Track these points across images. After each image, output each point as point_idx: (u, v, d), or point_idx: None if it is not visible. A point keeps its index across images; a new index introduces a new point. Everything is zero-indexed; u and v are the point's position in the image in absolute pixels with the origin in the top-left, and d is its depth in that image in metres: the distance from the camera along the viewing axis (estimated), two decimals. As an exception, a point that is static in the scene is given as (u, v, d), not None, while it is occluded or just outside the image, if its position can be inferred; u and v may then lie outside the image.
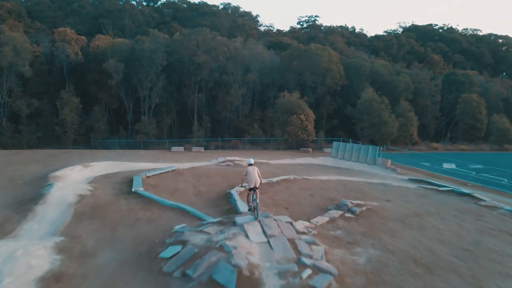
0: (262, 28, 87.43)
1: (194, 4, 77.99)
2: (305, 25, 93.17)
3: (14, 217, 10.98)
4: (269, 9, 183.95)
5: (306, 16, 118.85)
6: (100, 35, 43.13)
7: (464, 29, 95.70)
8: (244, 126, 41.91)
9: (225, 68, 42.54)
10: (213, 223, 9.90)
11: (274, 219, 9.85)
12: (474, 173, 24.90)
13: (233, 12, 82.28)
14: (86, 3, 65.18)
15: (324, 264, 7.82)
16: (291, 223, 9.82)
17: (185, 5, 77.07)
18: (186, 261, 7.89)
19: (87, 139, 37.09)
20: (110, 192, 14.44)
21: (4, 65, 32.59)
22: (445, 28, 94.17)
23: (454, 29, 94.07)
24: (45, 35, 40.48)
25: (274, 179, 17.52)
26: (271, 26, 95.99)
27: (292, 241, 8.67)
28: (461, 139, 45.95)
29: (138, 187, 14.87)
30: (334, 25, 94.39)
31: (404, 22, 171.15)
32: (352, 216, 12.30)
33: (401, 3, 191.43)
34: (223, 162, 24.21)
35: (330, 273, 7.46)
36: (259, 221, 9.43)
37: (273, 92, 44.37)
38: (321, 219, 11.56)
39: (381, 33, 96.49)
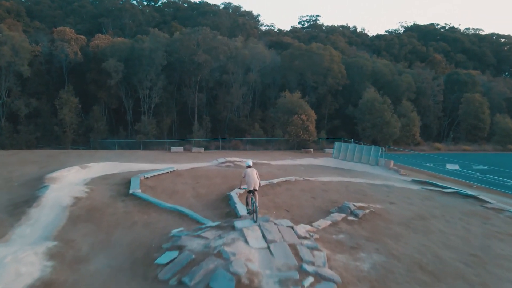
0: (263, 28, 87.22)
1: (195, 3, 77.77)
2: (306, 24, 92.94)
3: (7, 220, 10.65)
4: (270, 8, 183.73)
5: (307, 15, 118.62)
6: (99, 34, 42.83)
7: (466, 28, 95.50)
8: (244, 126, 41.58)
9: (225, 67, 42.22)
10: (211, 227, 9.57)
11: (275, 223, 9.53)
12: (478, 174, 24.51)
13: (234, 12, 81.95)
14: (86, 3, 64.98)
15: (326, 271, 7.48)
16: (292, 227, 9.49)
17: (186, 5, 76.78)
18: (182, 268, 7.57)
19: (87, 139, 36.79)
20: (107, 194, 14.10)
21: (3, 65, 32.30)
22: (447, 28, 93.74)
23: (456, 28, 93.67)
24: (44, 35, 40.19)
25: (275, 181, 17.17)
26: (272, 26, 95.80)
27: (293, 247, 8.34)
28: (464, 139, 45.57)
29: (135, 189, 14.53)
30: (336, 25, 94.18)
31: (406, 21, 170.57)
32: (355, 219, 11.94)
33: (402, 3, 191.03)
34: (223, 163, 23.85)
35: (333, 281, 7.14)
36: (259, 226, 9.09)
37: (274, 92, 44.05)
38: (323, 223, 11.21)
39: (382, 32, 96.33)
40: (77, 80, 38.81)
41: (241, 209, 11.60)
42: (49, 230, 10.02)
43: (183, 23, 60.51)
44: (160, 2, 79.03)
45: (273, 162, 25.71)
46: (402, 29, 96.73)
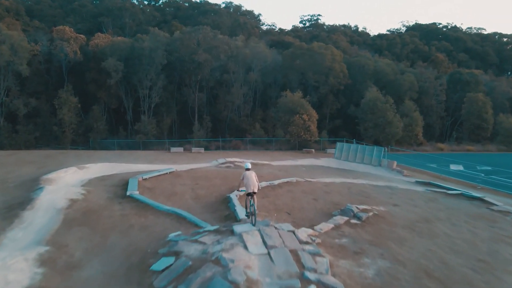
0: (264, 27, 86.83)
1: (196, 2, 77.40)
2: (307, 24, 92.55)
3: (0, 223, 10.34)
4: (271, 8, 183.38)
5: (308, 15, 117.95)
6: (99, 33, 42.54)
7: (468, 28, 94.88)
8: (245, 126, 41.25)
9: (226, 67, 41.88)
10: (209, 231, 9.22)
11: (275, 228, 9.19)
12: (483, 175, 24.11)
13: (235, 11, 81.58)
14: (86, 2, 64.68)
15: (329, 279, 7.13)
16: (293, 232, 9.14)
17: (187, 4, 76.48)
18: (178, 275, 7.22)
19: (86, 139, 36.50)
20: (104, 196, 13.79)
21: (1, 64, 32.02)
22: (449, 27, 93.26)
23: (458, 28, 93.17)
24: (43, 34, 39.88)
25: (276, 182, 16.82)
26: (273, 25, 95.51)
27: (294, 253, 7.99)
28: (467, 139, 45.15)
29: (133, 190, 14.21)
30: (337, 24, 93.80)
31: (408, 21, 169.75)
32: (358, 222, 11.59)
33: (403, 2, 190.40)
34: (223, 163, 23.53)
35: (337, 290, 6.79)
36: (259, 230, 8.75)
37: (275, 91, 43.70)
38: (325, 226, 10.85)
39: (384, 32, 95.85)
40: (76, 79, 38.52)
41: (241, 212, 11.27)
42: (42, 234, 9.69)
43: (183, 22, 60.23)
44: (160, 1, 78.74)
45: (274, 163, 25.38)
46: (404, 29, 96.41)
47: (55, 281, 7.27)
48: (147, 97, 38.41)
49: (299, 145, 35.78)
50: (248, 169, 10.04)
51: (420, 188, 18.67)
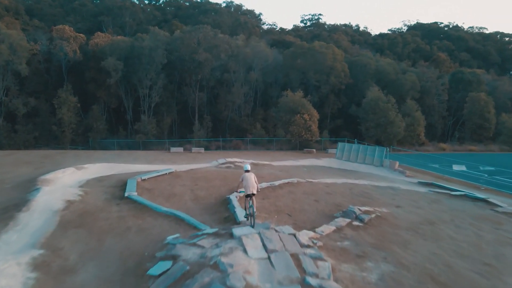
0: (265, 27, 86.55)
1: (196, 2, 77.16)
2: (308, 23, 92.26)
3: (-6, 226, 10.12)
4: (272, 7, 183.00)
5: (309, 14, 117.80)
6: (99, 32, 42.32)
7: (470, 27, 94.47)
8: (246, 126, 41.02)
9: (226, 66, 41.67)
10: (208, 234, 8.97)
11: (276, 230, 8.95)
12: (486, 175, 23.79)
13: (236, 10, 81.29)
14: (87, 1, 64.42)
15: (332, 285, 6.88)
16: (294, 235, 8.90)
17: (187, 3, 76.27)
18: (176, 280, 6.97)
19: (86, 139, 36.31)
20: (102, 197, 13.55)
21: (0, 63, 31.85)
22: (450, 26, 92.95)
23: (460, 27, 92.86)
24: (43, 33, 39.67)
25: (277, 183, 16.56)
26: (274, 25, 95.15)
27: (295, 257, 7.74)
28: (469, 139, 44.83)
29: (131, 191, 13.97)
30: (338, 24, 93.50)
31: (409, 20, 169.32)
32: (360, 224, 11.32)
33: (404, 2, 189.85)
34: (223, 163, 23.28)
35: (339, 296, 6.55)
36: (259, 234, 8.51)
37: (276, 91, 43.46)
38: (327, 228, 10.59)
39: (385, 31, 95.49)
40: (76, 79, 38.33)
41: (241, 213, 11.04)
42: (37, 237, 9.45)
43: (184, 21, 59.98)
44: (161, 0, 78.53)
45: (274, 163, 25.12)
46: (405, 28, 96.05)
47: (47, 287, 7.05)
48: (147, 97, 38.19)
49: (300, 145, 35.53)
50: (247, 171, 9.97)
51: (422, 189, 18.41)
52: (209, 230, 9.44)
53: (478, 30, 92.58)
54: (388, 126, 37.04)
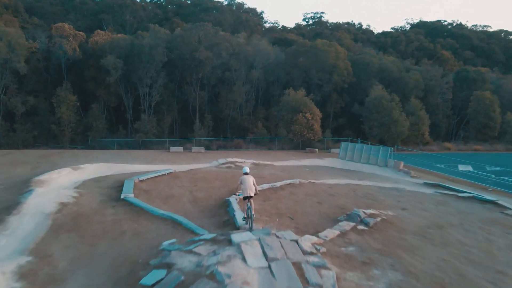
0: (267, 25, 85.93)
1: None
2: (310, 21, 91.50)
3: (-17, 230, 9.68)
4: (274, 5, 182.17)
5: (311, 12, 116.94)
6: (99, 30, 41.83)
7: (473, 25, 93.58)
8: (247, 125, 40.55)
9: (228, 64, 41.15)
10: (205, 240, 8.49)
11: (277, 236, 8.48)
12: (493, 176, 23.20)
13: (238, 9, 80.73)
14: (88, -1, 64.09)
15: (336, 297, 6.41)
16: (296, 241, 8.42)
17: (189, 1, 75.71)
18: (169, 292, 6.53)
19: (85, 138, 35.88)
20: (97, 199, 13.11)
21: (-2, 61, 31.49)
22: (454, 24, 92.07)
23: (464, 25, 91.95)
24: (42, 31, 39.24)
25: (278, 184, 16.08)
26: (276, 23, 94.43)
27: (298, 265, 7.26)
28: (473, 139, 44.18)
29: (128, 193, 13.51)
30: (340, 22, 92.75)
31: (412, 18, 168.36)
32: (365, 228, 10.86)
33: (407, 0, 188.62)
34: (223, 163, 22.81)
35: (345, 310, 6.07)
36: (259, 240, 8.03)
37: (278, 89, 42.94)
38: (331, 233, 10.13)
39: (388, 29, 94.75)
40: (76, 77, 37.91)
41: (240, 217, 10.60)
42: (26, 242, 9.02)
43: (185, 19, 59.52)
44: (163, -2, 78.02)
45: (276, 163, 24.65)
46: (408, 26, 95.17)
47: (32, 298, 6.59)
48: (147, 95, 37.75)
49: (302, 145, 35.04)
50: (246, 173, 9.89)
51: (428, 190, 17.88)
52: (207, 235, 8.97)
53: (482, 28, 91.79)
54: (392, 125, 36.45)
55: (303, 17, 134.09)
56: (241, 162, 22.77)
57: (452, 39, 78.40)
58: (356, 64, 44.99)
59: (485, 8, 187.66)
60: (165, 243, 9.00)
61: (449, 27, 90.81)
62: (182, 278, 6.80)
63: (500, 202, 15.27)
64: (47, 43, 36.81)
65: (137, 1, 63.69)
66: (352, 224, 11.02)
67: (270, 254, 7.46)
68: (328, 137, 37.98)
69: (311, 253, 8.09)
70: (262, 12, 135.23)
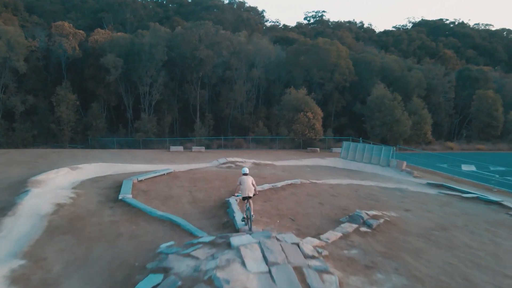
0: (268, 24, 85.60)
1: (199, -2, 76.18)
2: (312, 20, 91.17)
3: (-23, 232, 9.45)
4: (275, 4, 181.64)
5: (313, 11, 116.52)
6: (99, 29, 41.57)
7: (475, 24, 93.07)
8: (248, 124, 40.30)
9: (228, 63, 40.88)
10: (204, 243, 8.24)
11: (277, 239, 8.22)
12: (497, 176, 22.89)
13: (239, 7, 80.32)
14: (88, -3, 63.74)
15: (339, 304, 6.15)
16: (297, 245, 8.15)
17: (189, 0, 75.33)
18: (166, 298, 6.28)
19: (85, 138, 35.66)
20: (95, 200, 12.88)
21: (-2, 60, 31.26)
22: (456, 23, 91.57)
23: (466, 24, 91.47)
24: (42, 29, 39.00)
25: (279, 184, 15.83)
26: (277, 22, 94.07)
27: (299, 270, 7.00)
28: (476, 138, 43.82)
29: (126, 194, 13.28)
30: (342, 21, 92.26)
31: (413, 17, 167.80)
32: (368, 230, 10.59)
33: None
34: (224, 163, 22.55)
35: (349, 318, 5.81)
36: (259, 243, 7.78)
37: (279, 88, 42.66)
38: (333, 235, 9.86)
39: (390, 28, 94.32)
40: (75, 76, 37.69)
41: (240, 218, 10.33)
42: (20, 245, 8.78)
43: (186, 18, 59.22)
44: (163, -4, 77.63)
45: (277, 163, 24.38)
46: (410, 25, 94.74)
47: (24, 304, 6.35)
48: (148, 94, 37.51)
49: (303, 144, 34.77)
50: (245, 174, 9.73)
51: (432, 191, 17.59)
52: (205, 238, 8.71)
53: (484, 27, 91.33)
54: (394, 124, 36.13)
55: (304, 16, 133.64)
56: (242, 162, 22.52)
57: (454, 37, 77.89)
58: (357, 62, 44.66)
59: (487, 6, 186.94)
60: (163, 245, 8.76)
61: (451, 25, 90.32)
62: (179, 283, 6.56)
63: (505, 203, 14.97)
64: (46, 41, 36.58)
65: (137, 0, 63.37)
66: (355, 226, 10.76)
67: (271, 258, 7.21)
68: (329, 137, 37.69)
69: (312, 257, 7.83)
70: (263, 11, 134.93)
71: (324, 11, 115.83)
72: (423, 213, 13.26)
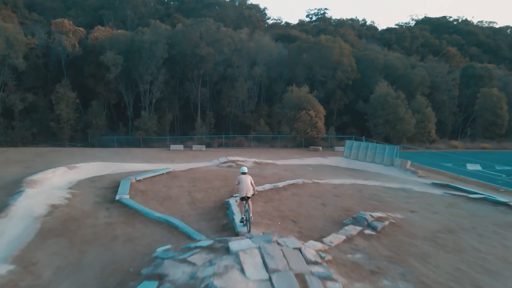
0: (270, 21, 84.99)
1: (200, -5, 75.64)
2: (314, 18, 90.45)
3: (-33, 235, 9.11)
4: (277, 2, 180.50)
5: (315, 9, 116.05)
6: (99, 26, 41.18)
7: (479, 21, 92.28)
8: (250, 122, 39.91)
9: (230, 61, 40.44)
10: (202, 248, 7.86)
11: (278, 244, 7.84)
12: (504, 175, 22.43)
13: (240, 5, 79.73)
14: (89, -6, 63.32)
15: (344, 314, 5.77)
16: (299, 250, 7.76)
17: (191, -3, 74.81)
18: (160, 307, 5.92)
19: (85, 136, 35.34)
20: (91, 201, 12.54)
21: (-4, 58, 30.94)
22: (459, 20, 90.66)
23: (469, 21, 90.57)
24: (41, 27, 38.62)
25: (281, 184, 15.46)
26: (279, 19, 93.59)
27: (301, 277, 6.61)
28: (480, 136, 43.30)
29: (123, 194, 12.94)
30: (344, 18, 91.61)
31: (416, 14, 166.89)
32: (373, 233, 10.21)
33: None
34: (224, 162, 22.19)
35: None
36: (259, 249, 7.40)
37: (281, 86, 42.22)
38: (336, 238, 9.49)
39: (392, 26, 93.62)
40: (75, 74, 37.34)
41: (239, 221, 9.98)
42: (11, 249, 8.44)
43: (187, 15, 58.72)
44: (165, -6, 77.06)
45: (279, 162, 24.01)
46: (413, 22, 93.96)
47: (9, 314, 6.00)
48: (148, 92, 37.14)
49: (305, 143, 34.38)
50: (244, 173, 9.46)
51: (437, 191, 17.17)
52: (203, 242, 8.33)
53: (488, 24, 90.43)
54: (397, 123, 35.64)
55: (306, 14, 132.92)
56: (242, 161, 22.17)
57: (457, 35, 77.14)
58: (360, 60, 44.17)
59: (490, 4, 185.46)
60: (159, 249, 8.42)
61: (455, 23, 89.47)
62: (174, 292, 6.20)
63: (513, 204, 14.57)
64: (46, 39, 36.22)
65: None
66: (359, 228, 10.38)
67: (271, 264, 6.83)
68: (332, 135, 37.28)
69: (315, 263, 7.46)
70: (265, 8, 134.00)
71: (326, 9, 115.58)
72: (429, 214, 12.87)
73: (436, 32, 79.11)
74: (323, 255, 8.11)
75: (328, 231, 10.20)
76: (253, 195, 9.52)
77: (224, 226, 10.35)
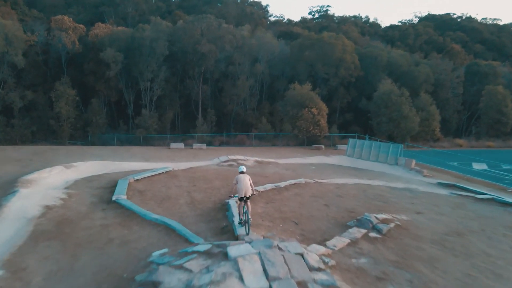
0: (272, 18, 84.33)
1: (202, -8, 75.12)
2: (316, 15, 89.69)
3: (-43, 237, 8.79)
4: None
5: (317, 6, 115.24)
6: (99, 23, 40.77)
7: (483, 18, 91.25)
8: (251, 120, 39.48)
9: (231, 58, 39.97)
10: (199, 253, 7.49)
11: (279, 249, 7.47)
12: (511, 175, 21.92)
13: (242, 2, 79.16)
14: (90, -8, 62.91)
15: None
16: (302, 255, 7.39)
17: (193, -6, 74.31)
18: (152, 318, 5.56)
19: (85, 134, 35.01)
20: (87, 201, 12.19)
21: (-5, 55, 30.60)
22: (463, 17, 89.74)
23: (473, 18, 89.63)
24: (41, 24, 38.24)
25: (282, 184, 15.05)
26: (281, 16, 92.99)
27: (303, 285, 6.26)
28: (485, 135, 42.73)
29: (120, 194, 12.59)
30: (347, 15, 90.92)
31: (420, 11, 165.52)
32: (378, 236, 9.85)
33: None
34: (225, 161, 21.79)
35: None
36: (259, 254, 7.02)
37: (283, 84, 41.73)
38: (340, 241, 9.14)
39: (396, 23, 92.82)
40: (75, 71, 36.94)
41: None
42: (1, 253, 8.11)
43: (188, 12, 58.25)
44: (165, -9, 76.56)
45: (280, 161, 23.60)
46: (417, 19, 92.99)
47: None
48: (149, 90, 36.76)
49: (308, 141, 33.94)
50: (242, 173, 9.45)
51: (443, 191, 16.73)
52: (201, 247, 7.95)
53: (492, 21, 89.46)
54: (401, 121, 35.09)
55: (309, 11, 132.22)
56: (243, 160, 21.77)
57: (461, 32, 76.32)
58: (363, 57, 43.61)
59: (494, 1, 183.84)
60: (155, 253, 8.08)
61: (458, 20, 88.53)
62: (169, 301, 5.83)
63: (522, 205, 14.12)
64: (46, 36, 35.83)
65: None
66: (363, 231, 10.02)
67: (272, 272, 6.45)
68: (334, 133, 36.83)
69: (318, 269, 7.09)
70: (267, 5, 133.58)
71: (329, 6, 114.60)
72: (435, 216, 12.46)
73: (439, 29, 78.27)
74: (326, 260, 7.76)
75: (331, 233, 9.85)
76: (252, 195, 9.27)
77: (223, 228, 9.99)
